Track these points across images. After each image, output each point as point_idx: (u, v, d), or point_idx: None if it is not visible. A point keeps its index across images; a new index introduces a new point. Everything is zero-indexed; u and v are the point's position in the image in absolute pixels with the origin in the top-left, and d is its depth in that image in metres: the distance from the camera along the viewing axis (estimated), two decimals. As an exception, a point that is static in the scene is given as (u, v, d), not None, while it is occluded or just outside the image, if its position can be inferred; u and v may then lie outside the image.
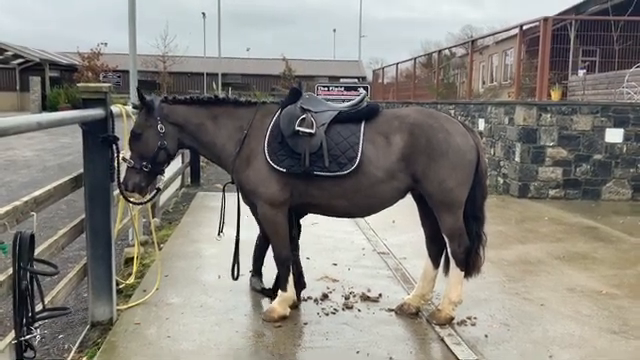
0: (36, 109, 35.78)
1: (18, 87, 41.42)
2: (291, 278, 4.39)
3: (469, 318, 4.42)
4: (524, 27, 11.49)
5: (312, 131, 4.10)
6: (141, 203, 4.61)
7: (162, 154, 4.23)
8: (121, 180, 4.21)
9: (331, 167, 4.04)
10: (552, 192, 10.09)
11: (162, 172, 4.43)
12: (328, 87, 25.00)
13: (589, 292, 5.19)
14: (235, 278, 4.65)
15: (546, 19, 10.43)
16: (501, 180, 10.91)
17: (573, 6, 18.51)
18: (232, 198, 4.43)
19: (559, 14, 16.85)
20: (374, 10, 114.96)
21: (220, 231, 4.56)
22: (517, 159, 10.17)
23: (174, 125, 4.26)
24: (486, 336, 4.15)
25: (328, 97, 22.05)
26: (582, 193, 10.09)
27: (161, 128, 4.17)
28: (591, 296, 5.09)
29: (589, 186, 10.10)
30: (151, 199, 4.64)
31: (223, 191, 4.51)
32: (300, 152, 4.06)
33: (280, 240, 4.27)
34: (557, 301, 4.93)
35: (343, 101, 4.73)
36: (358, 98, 4.37)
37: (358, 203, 4.22)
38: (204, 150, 4.44)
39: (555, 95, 11.71)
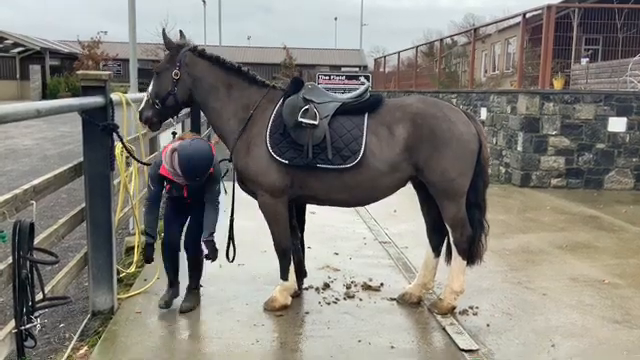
0: (36, 97, 35.68)
1: (18, 76, 41.26)
2: (292, 267, 4.37)
3: (471, 307, 4.41)
4: (527, 15, 11.39)
5: (315, 122, 4.04)
6: (146, 163, 4.79)
7: (171, 99, 4.27)
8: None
9: (334, 160, 3.99)
10: (554, 181, 10.05)
11: (172, 116, 4.48)
12: (329, 76, 24.92)
13: (591, 281, 5.17)
14: (231, 260, 4.53)
15: (549, 7, 10.34)
16: (503, 169, 10.88)
17: (577, -7, 18.34)
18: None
19: (562, 2, 16.70)
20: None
21: (232, 216, 4.49)
22: (519, 148, 10.13)
23: (190, 76, 4.25)
24: (488, 325, 4.14)
25: (329, 86, 21.98)
26: (584, 182, 10.06)
27: (175, 74, 4.22)
28: (593, 285, 5.07)
29: (591, 175, 10.07)
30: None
31: (226, 171, 4.46)
32: (303, 144, 4.02)
33: (280, 229, 4.25)
34: (559, 290, 4.92)
35: (344, 90, 4.67)
36: (362, 89, 4.29)
37: (358, 195, 4.19)
38: (209, 115, 4.39)
39: (558, 84, 11.64)
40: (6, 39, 37.45)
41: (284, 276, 4.34)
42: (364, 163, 4.00)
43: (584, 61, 15.19)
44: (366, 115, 4.11)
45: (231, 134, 4.26)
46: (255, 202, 4.36)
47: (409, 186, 4.40)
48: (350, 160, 3.98)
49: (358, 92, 4.29)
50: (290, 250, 4.32)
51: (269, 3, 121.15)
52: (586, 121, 9.94)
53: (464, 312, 4.34)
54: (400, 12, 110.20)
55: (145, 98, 4.37)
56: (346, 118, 4.10)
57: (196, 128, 10.93)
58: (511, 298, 4.71)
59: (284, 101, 4.17)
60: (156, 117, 4.34)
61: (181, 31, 4.54)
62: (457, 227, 4.18)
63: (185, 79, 4.25)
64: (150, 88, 4.34)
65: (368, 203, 4.48)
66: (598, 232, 6.99)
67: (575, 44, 14.63)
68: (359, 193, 4.16)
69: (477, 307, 4.44)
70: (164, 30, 4.48)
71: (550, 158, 10.02)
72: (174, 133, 4.76)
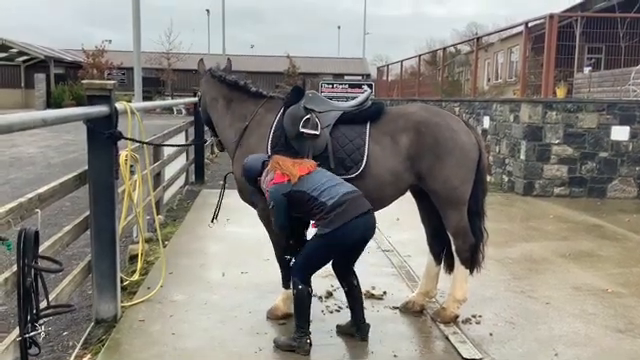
0: (41, 106, 35.88)
1: (23, 84, 41.51)
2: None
3: (474, 316, 4.41)
4: (530, 24, 11.43)
5: (317, 132, 4.05)
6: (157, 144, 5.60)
7: (202, 116, 4.81)
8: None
9: (337, 170, 3.98)
10: (557, 190, 10.05)
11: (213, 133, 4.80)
12: (332, 84, 24.94)
13: (595, 290, 5.17)
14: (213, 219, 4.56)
15: (552, 16, 10.37)
16: (506, 178, 10.87)
17: (579, 3, 18.42)
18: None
19: (565, 11, 16.75)
20: (378, 7, 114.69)
21: (214, 217, 4.54)
22: (522, 157, 10.13)
23: (203, 95, 4.65)
24: (491, 334, 4.14)
25: (332, 94, 22.01)
26: (587, 191, 10.05)
27: (198, 95, 4.81)
28: (597, 294, 5.06)
29: (594, 184, 10.06)
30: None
31: (224, 179, 4.50)
32: (305, 154, 4.02)
33: (280, 239, 4.24)
34: (562, 299, 4.91)
35: (347, 99, 4.70)
36: (362, 96, 4.29)
37: None
38: (212, 126, 4.65)
39: (561, 92, 11.66)
40: (11, 48, 37.70)
41: (286, 284, 4.34)
42: (367, 173, 4.00)
43: (587, 70, 15.22)
44: (368, 124, 4.11)
45: (229, 143, 4.40)
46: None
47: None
48: (353, 170, 3.98)
49: (359, 100, 4.28)
50: (291, 259, 4.31)
51: (269, 11, 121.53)
52: (589, 130, 9.95)
53: (467, 321, 4.33)
54: (404, 21, 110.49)
55: None
56: (348, 127, 4.10)
57: (199, 137, 11.01)
58: (514, 307, 4.70)
59: (285, 111, 4.18)
60: (214, 136, 4.74)
61: (202, 59, 4.82)
62: (459, 235, 4.18)
63: (202, 98, 4.66)
64: None
65: None
66: (601, 241, 6.98)
67: (578, 53, 14.65)
68: None
69: (480, 316, 4.43)
70: (201, 59, 4.79)
71: (553, 167, 10.02)
72: (204, 141, 4.98)
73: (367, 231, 3.72)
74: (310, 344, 3.77)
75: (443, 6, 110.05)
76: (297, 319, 3.81)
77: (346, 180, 3.99)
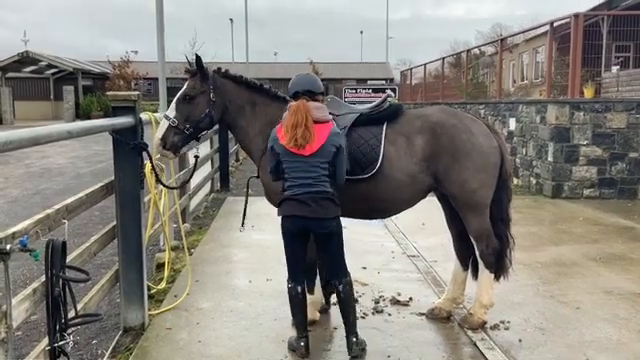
0: (70, 117, 36.52)
1: (52, 96, 42.39)
2: (318, 281, 4.37)
3: (502, 322, 4.34)
4: (555, 24, 11.27)
5: None
6: (175, 187, 5.06)
7: (207, 121, 4.28)
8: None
9: (353, 170, 4.00)
10: (587, 192, 9.86)
11: (199, 138, 4.53)
12: (356, 89, 24.93)
13: (626, 294, 5.05)
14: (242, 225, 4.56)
15: (577, 15, 10.22)
16: (534, 180, 10.72)
17: (605, 1, 18.11)
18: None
19: (590, 10, 16.49)
20: (401, 10, 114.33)
21: (242, 224, 4.54)
22: (550, 159, 9.98)
23: (221, 98, 4.32)
24: (520, 340, 4.07)
25: (356, 99, 22.00)
26: (618, 192, 9.85)
27: (213, 97, 4.24)
28: (629, 298, 4.95)
29: (625, 185, 9.85)
30: (186, 182, 5.53)
31: (247, 184, 4.51)
32: None
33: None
34: (593, 304, 4.81)
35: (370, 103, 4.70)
36: (380, 99, 4.33)
37: (377, 205, 4.18)
38: (237, 133, 4.48)
39: (588, 92, 11.46)
40: (40, 61, 38.49)
41: (310, 290, 4.34)
42: (383, 173, 4.00)
43: (615, 69, 14.93)
44: (385, 125, 4.13)
45: (257, 151, 4.35)
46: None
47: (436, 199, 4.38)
48: (368, 170, 3.99)
49: (376, 102, 4.33)
50: (315, 263, 4.32)
51: (291, 16, 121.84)
52: (618, 130, 9.76)
53: (495, 327, 4.27)
54: (427, 24, 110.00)
55: (165, 125, 4.19)
56: (364, 129, 4.13)
57: (224, 145, 11.10)
58: (543, 312, 4.62)
59: None
60: (182, 142, 4.28)
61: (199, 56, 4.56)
62: (482, 239, 4.14)
63: (218, 101, 4.30)
64: (173, 114, 4.19)
65: (389, 215, 4.50)
66: (633, 243, 6.82)
67: (605, 52, 14.40)
68: (379, 204, 4.16)
69: (509, 322, 4.37)
70: (197, 55, 4.44)
71: (582, 168, 9.84)
72: (196, 157, 4.79)
73: (301, 227, 3.71)
74: (306, 347, 3.76)
75: (460, 7, 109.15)
76: (292, 318, 3.83)
77: (362, 180, 4.00)
